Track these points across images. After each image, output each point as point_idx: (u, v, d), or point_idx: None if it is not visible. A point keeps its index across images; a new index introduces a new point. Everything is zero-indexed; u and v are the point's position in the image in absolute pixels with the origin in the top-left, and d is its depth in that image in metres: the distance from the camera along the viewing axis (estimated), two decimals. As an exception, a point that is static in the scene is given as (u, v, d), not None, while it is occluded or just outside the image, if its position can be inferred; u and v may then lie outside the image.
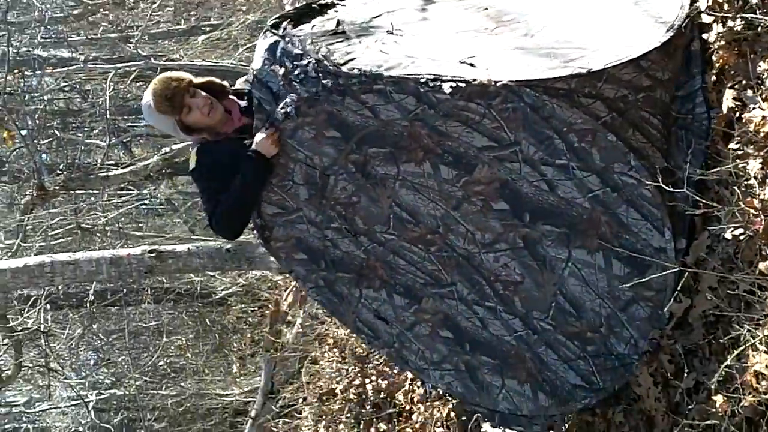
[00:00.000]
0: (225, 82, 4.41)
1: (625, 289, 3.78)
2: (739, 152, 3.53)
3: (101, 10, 13.71)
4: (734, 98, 3.64)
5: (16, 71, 8.85)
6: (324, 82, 3.74)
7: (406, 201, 3.99)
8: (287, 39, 3.91)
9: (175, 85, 4.08)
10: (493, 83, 3.50)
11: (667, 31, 3.69)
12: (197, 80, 4.23)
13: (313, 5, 4.35)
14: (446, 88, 3.55)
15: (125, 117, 13.75)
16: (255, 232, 4.49)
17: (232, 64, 10.19)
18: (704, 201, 3.48)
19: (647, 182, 3.59)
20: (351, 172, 4.00)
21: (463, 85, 3.53)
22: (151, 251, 5.51)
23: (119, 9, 13.50)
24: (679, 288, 3.61)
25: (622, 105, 3.65)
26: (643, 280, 3.67)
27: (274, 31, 3.99)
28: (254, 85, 4.01)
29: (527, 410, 4.24)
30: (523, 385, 4.20)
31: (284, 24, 4.03)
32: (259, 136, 3.94)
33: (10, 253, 8.48)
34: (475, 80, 3.53)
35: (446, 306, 4.21)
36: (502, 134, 3.66)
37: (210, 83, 4.30)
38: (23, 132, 8.33)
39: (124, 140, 13.03)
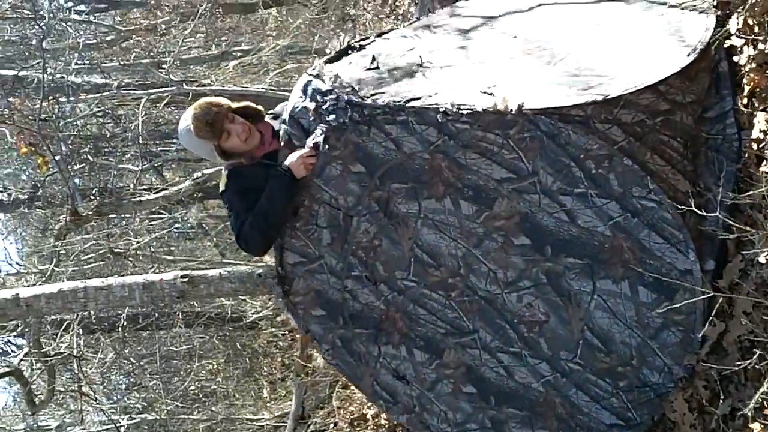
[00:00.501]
0: (260, 107, 4.46)
1: (654, 316, 3.75)
2: (773, 175, 3.50)
3: (134, 36, 13.88)
4: (767, 121, 3.61)
5: (50, 98, 8.96)
6: (351, 113, 3.78)
7: (427, 241, 3.98)
8: (319, 77, 3.96)
9: (216, 110, 4.14)
10: (508, 111, 3.53)
11: (689, 54, 3.67)
12: (234, 105, 4.30)
13: (353, 44, 4.41)
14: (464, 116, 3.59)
15: (157, 141, 13.87)
16: (276, 282, 4.45)
17: (262, 88, 10.23)
18: (737, 225, 3.44)
19: (667, 204, 3.58)
20: (374, 211, 4.01)
21: (479, 112, 3.57)
22: (183, 276, 5.51)
23: (151, 35, 13.65)
24: (713, 312, 3.57)
25: (640, 129, 3.65)
26: (673, 306, 3.65)
27: (309, 72, 4.06)
28: (288, 123, 4.07)
29: None
30: None
31: (319, 63, 4.10)
32: (294, 155, 3.96)
33: (43, 279, 8.55)
34: (490, 108, 3.56)
35: (469, 356, 4.16)
36: (520, 165, 3.68)
37: (246, 108, 4.38)
38: (57, 158, 8.38)
39: (156, 165, 13.10)
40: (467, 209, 3.85)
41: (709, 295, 3.52)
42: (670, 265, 3.68)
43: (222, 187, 4.33)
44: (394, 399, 4.41)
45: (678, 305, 3.65)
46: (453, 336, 4.15)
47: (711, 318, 3.58)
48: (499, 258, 3.90)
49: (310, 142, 3.91)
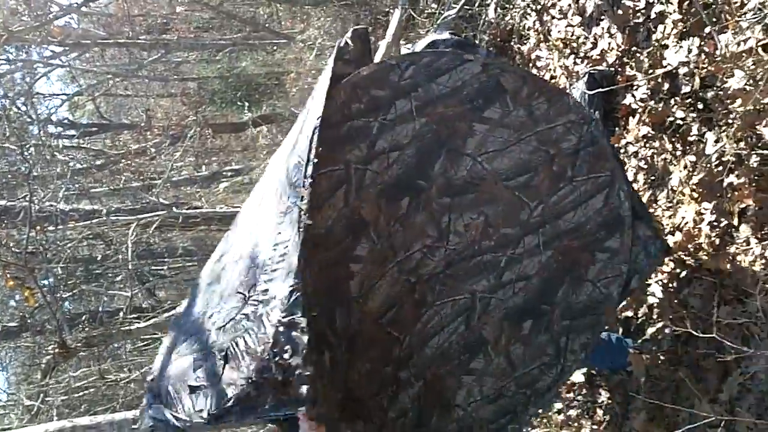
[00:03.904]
0: None
1: None
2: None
3: (123, 160, 13.92)
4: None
5: (38, 228, 8.86)
6: None
7: None
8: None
9: None
10: None
11: None
12: None
13: None
14: None
15: (148, 261, 13.77)
16: None
17: (254, 208, 10.18)
18: (735, 346, 3.38)
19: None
20: None
21: None
22: (173, 410, 5.35)
23: (141, 158, 13.69)
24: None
25: None
26: None
27: None
28: None
29: None
30: None
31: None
32: None
33: (28, 416, 8.33)
34: None
35: None
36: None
37: None
38: (44, 289, 8.25)
39: (149, 287, 12.99)
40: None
41: (712, 418, 3.44)
42: None
43: None
44: None
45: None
46: None
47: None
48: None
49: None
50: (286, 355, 2.94)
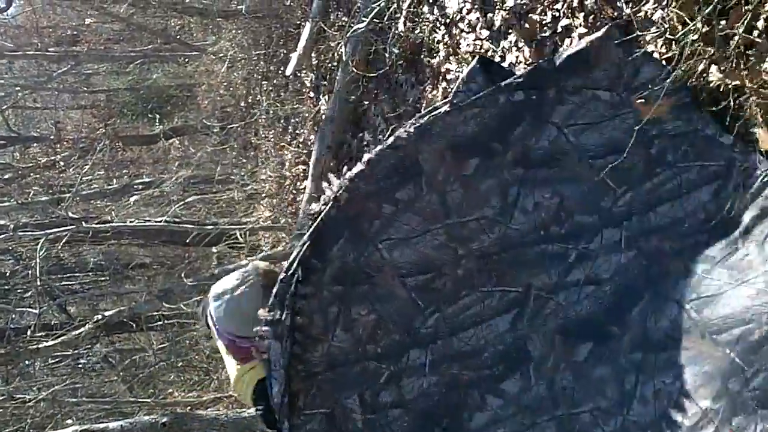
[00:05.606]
0: None
1: None
2: None
3: (32, 173, 13.65)
4: None
5: (-58, 244, 8.68)
6: None
7: None
8: None
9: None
10: None
11: None
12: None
13: None
14: None
15: (59, 276, 13.51)
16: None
17: (165, 221, 10.10)
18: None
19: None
20: None
21: None
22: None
23: (50, 171, 13.44)
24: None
25: None
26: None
27: None
28: None
29: None
30: None
31: None
32: None
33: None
34: None
35: None
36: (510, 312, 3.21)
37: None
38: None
39: (60, 303, 12.73)
40: (512, 386, 3.21)
41: None
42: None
43: None
44: None
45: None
46: None
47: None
48: (584, 390, 3.14)
49: None
50: None
